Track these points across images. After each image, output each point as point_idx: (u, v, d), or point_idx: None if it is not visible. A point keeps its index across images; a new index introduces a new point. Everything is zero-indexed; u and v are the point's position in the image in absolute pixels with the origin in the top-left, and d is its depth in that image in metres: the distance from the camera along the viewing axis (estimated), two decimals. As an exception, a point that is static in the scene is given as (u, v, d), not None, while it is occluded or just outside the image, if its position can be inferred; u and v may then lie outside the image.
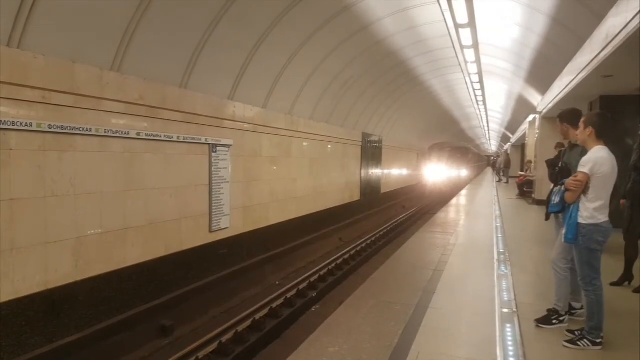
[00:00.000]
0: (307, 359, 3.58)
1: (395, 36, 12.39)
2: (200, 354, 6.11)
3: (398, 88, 17.53)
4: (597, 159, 3.74)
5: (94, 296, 6.49)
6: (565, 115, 4.59)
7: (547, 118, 14.11)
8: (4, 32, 5.16)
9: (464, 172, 34.33)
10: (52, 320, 5.94)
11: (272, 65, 10.18)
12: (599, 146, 3.84)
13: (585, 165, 3.76)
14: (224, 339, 6.61)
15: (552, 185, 4.55)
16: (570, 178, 3.91)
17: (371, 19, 10.90)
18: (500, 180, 29.95)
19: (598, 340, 3.78)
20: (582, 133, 3.97)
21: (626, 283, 5.67)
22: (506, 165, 30.91)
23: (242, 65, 9.22)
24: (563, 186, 4.01)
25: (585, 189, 3.77)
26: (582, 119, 4.01)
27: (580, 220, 3.78)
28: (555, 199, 4.10)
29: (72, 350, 5.83)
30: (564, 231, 3.92)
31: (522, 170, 23.38)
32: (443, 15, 10.43)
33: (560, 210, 4.10)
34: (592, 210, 3.74)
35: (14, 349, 5.45)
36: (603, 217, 3.77)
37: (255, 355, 6.55)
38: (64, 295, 6.02)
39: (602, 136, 3.88)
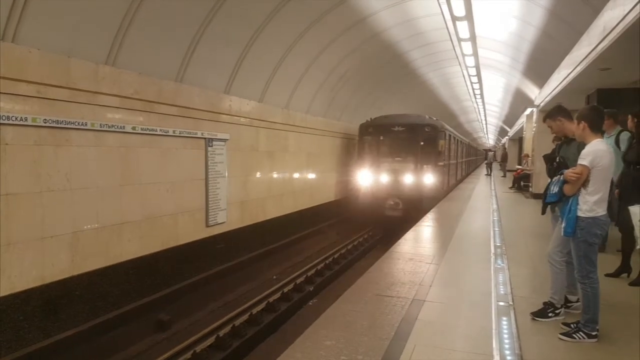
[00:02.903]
0: (304, 353, 3.58)
1: (392, 29, 12.33)
2: (198, 348, 6.12)
3: (395, 81, 17.49)
4: (597, 152, 3.74)
5: (91, 291, 6.49)
6: (554, 112, 4.60)
7: (544, 111, 14.08)
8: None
9: (430, 179, 13.96)
10: (49, 315, 5.94)
11: (268, 59, 10.13)
12: (597, 139, 3.84)
13: (585, 157, 3.76)
14: (221, 332, 6.62)
15: (549, 179, 4.55)
16: (570, 169, 3.90)
17: (367, 12, 10.84)
18: (488, 174, 29.92)
19: (593, 333, 3.80)
20: (577, 129, 3.98)
21: (624, 275, 5.68)
22: (503, 159, 30.93)
23: (238, 59, 9.17)
24: (562, 176, 4.00)
25: (585, 182, 3.78)
26: (576, 115, 4.02)
27: (580, 214, 3.78)
28: (554, 189, 4.09)
29: (70, 345, 5.84)
30: (563, 225, 3.91)
31: (519, 164, 23.39)
32: (440, 7, 10.39)
33: (557, 200, 4.09)
34: (591, 203, 3.74)
35: (12, 344, 5.45)
36: (602, 211, 3.78)
37: (253, 349, 6.57)
38: (60, 290, 6.02)
39: (597, 129, 3.88)
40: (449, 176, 16.99)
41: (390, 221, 13.79)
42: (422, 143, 14.07)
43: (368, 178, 14.19)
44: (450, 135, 16.93)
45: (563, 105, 4.69)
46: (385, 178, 14.00)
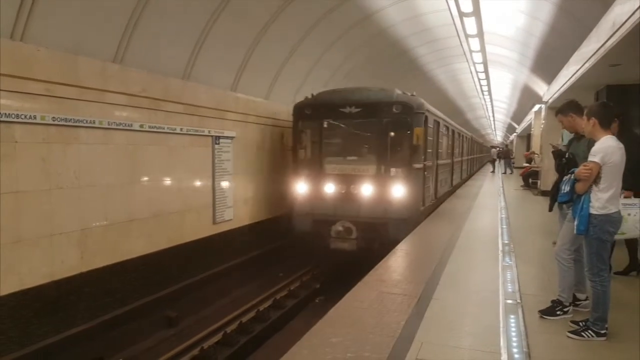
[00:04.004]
0: (311, 349, 3.58)
1: (398, 25, 12.28)
2: (206, 345, 6.15)
3: (402, 78, 17.41)
4: (607, 148, 3.71)
5: (100, 288, 6.53)
6: (567, 107, 4.57)
7: (553, 108, 13.98)
8: (7, 26, 5.16)
9: (400, 190, 8.74)
10: (58, 312, 5.98)
11: (275, 56, 10.13)
12: (608, 136, 3.81)
13: (595, 154, 3.72)
14: (228, 329, 6.65)
15: (557, 176, 4.52)
16: (581, 167, 3.86)
17: (374, 8, 10.81)
18: (493, 171, 29.82)
19: (602, 331, 3.77)
20: (586, 125, 3.94)
21: (633, 273, 5.61)
22: (506, 156, 30.70)
23: (244, 56, 9.19)
24: (573, 175, 3.97)
25: (596, 179, 3.74)
26: (585, 111, 3.98)
27: (592, 211, 3.74)
28: (565, 188, 4.06)
29: (79, 340, 5.90)
30: (575, 223, 3.87)
31: (527, 162, 23.18)
32: (447, 3, 10.33)
33: (569, 199, 4.06)
34: (604, 200, 3.71)
35: (22, 340, 5.50)
36: (614, 208, 3.75)
37: (260, 346, 6.60)
38: (70, 286, 6.06)
39: (607, 125, 3.85)
40: (436, 184, 11.54)
41: (339, 259, 9.35)
42: (389, 132, 9.11)
43: (305, 189, 9.31)
44: (437, 122, 11.32)
45: (576, 101, 4.63)
46: (330, 189, 9.06)
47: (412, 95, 9.26)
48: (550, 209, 4.64)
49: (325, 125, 9.42)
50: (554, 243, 7.07)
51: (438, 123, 11.42)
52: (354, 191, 8.93)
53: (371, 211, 8.78)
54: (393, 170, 8.89)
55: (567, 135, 6.12)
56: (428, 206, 10.27)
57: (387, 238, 8.34)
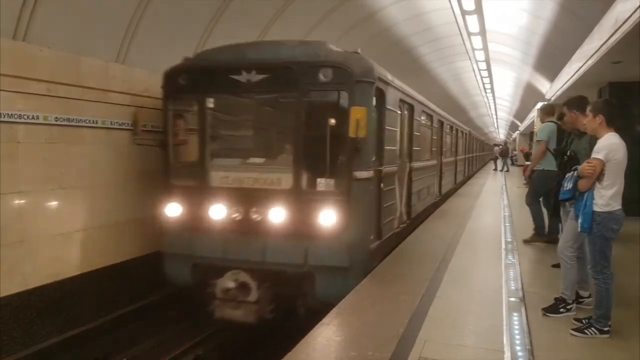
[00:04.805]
0: (314, 348, 3.58)
1: (400, 24, 12.27)
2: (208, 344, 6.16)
3: (404, 77, 17.33)
4: (611, 145, 3.70)
5: (104, 288, 6.54)
6: (572, 102, 4.56)
7: (557, 105, 13.96)
8: (10, 26, 5.17)
9: (332, 217, 5.01)
10: (62, 312, 6.00)
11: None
12: (611, 133, 3.79)
13: (599, 151, 3.71)
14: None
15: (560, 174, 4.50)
16: (584, 164, 3.85)
17: (375, 7, 10.81)
18: (496, 169, 29.88)
19: (606, 329, 3.75)
20: (591, 122, 3.92)
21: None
22: (504, 154, 30.67)
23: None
24: (575, 172, 3.96)
25: (599, 176, 3.73)
26: (589, 108, 3.96)
27: (596, 208, 3.73)
28: (568, 185, 4.04)
29: (84, 340, 5.92)
30: (579, 221, 3.85)
31: (527, 160, 23.10)
32: (449, 1, 10.33)
33: (571, 196, 4.05)
34: (607, 198, 3.70)
35: (25, 340, 5.52)
36: (617, 205, 3.74)
37: (264, 345, 6.59)
38: (73, 286, 6.08)
39: (613, 123, 3.83)
40: (408, 198, 7.96)
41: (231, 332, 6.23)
42: (315, 116, 5.59)
43: (179, 213, 5.75)
44: (410, 106, 7.95)
45: (584, 97, 4.61)
46: (218, 214, 5.51)
47: (355, 53, 5.65)
48: (554, 208, 4.62)
49: (210, 105, 5.80)
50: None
51: (411, 107, 7.96)
52: (256, 218, 5.38)
53: (285, 254, 5.31)
54: (321, 181, 5.37)
55: (543, 131, 6.20)
56: (390, 236, 6.62)
57: (313, 300, 5.28)
